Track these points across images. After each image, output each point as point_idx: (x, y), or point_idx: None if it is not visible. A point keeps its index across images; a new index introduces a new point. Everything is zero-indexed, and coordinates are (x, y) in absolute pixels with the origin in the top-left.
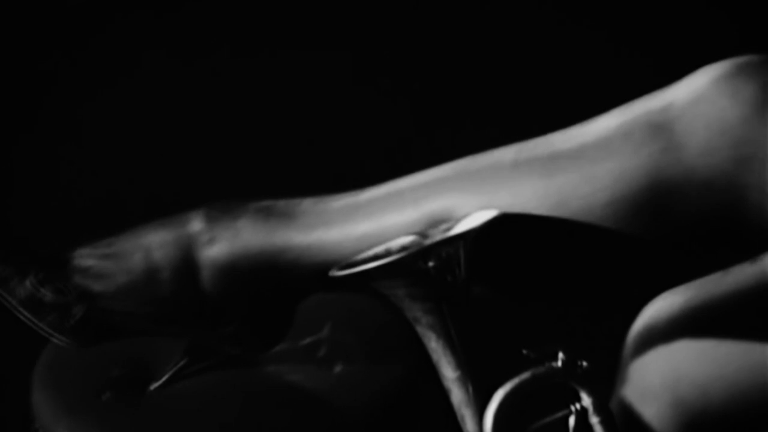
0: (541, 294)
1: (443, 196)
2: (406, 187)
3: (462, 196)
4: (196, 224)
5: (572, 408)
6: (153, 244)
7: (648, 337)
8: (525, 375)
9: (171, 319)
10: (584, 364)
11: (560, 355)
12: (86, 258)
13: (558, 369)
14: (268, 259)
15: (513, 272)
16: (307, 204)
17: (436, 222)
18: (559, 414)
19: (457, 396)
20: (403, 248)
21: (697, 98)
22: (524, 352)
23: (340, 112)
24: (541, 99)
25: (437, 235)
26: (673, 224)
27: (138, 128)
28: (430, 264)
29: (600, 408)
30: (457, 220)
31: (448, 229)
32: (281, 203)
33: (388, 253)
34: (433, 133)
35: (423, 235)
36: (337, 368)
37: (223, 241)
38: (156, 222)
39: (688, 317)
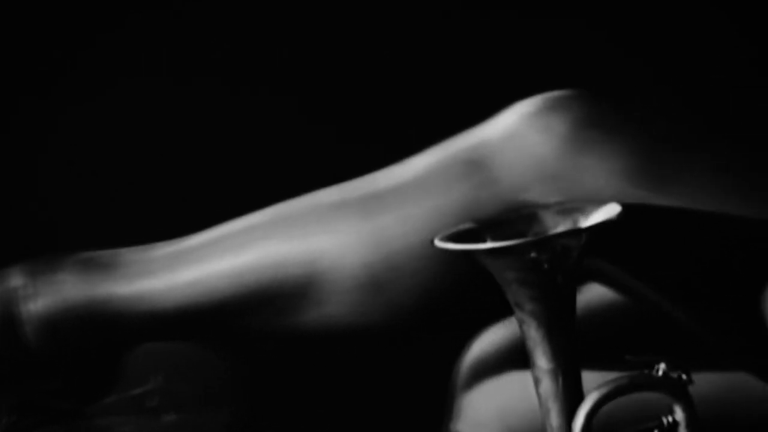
0: (649, 298)
1: (264, 241)
2: (227, 234)
3: (283, 241)
4: (16, 279)
5: (664, 420)
6: None
7: (478, 370)
8: (622, 379)
9: None
10: (684, 377)
11: (661, 365)
12: None
13: (657, 378)
14: (92, 311)
15: (625, 269)
16: (129, 254)
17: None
18: (650, 424)
19: (547, 388)
20: (513, 222)
21: (510, 134)
22: (626, 357)
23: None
24: None
25: (551, 220)
26: None
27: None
28: (545, 253)
29: (693, 424)
30: (569, 207)
31: (561, 214)
32: (102, 254)
33: (498, 224)
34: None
35: (527, 216)
36: (169, 417)
37: (45, 295)
38: None
39: (514, 350)
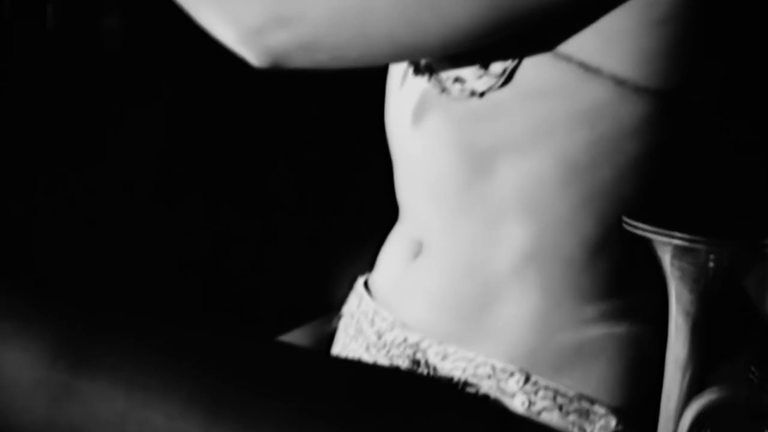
0: None
1: None
2: None
3: None
4: None
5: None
6: None
7: None
8: (741, 390)
9: None
10: None
11: None
12: None
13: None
14: None
15: None
16: None
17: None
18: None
19: (672, 376)
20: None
21: None
22: (752, 369)
23: None
24: None
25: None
26: None
27: None
28: (719, 259)
29: None
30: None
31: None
32: None
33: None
34: None
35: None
36: None
37: None
38: None
39: None
